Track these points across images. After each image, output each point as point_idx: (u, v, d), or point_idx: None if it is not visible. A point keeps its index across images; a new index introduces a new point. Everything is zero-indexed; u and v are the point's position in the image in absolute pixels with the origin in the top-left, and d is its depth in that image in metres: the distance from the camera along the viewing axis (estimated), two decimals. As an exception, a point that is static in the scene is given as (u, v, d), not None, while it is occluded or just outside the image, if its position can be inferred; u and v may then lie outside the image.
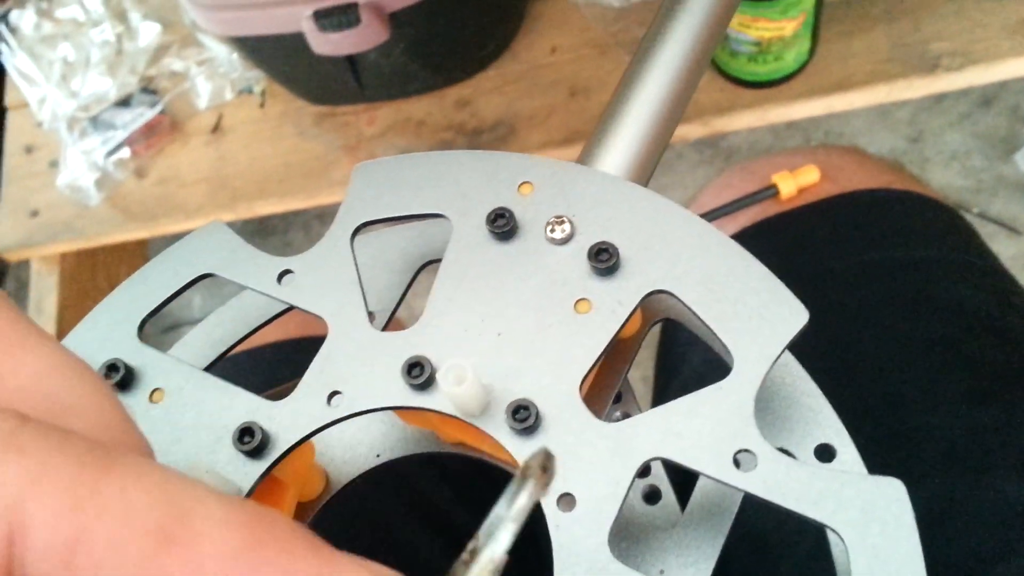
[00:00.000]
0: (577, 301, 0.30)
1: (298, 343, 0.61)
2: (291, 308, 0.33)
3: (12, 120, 1.09)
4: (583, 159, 0.34)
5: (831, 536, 0.27)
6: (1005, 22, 0.90)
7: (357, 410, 0.30)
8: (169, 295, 0.33)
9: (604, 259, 0.30)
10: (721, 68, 0.94)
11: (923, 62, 0.92)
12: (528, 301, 0.30)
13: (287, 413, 0.30)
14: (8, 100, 1.09)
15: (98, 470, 0.17)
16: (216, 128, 1.05)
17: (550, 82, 1.01)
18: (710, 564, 0.30)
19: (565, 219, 0.31)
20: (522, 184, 0.32)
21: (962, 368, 0.52)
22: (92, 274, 1.15)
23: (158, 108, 1.01)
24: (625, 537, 0.27)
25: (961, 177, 1.25)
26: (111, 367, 0.31)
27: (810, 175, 0.66)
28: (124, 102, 1.03)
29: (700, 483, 0.32)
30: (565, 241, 0.31)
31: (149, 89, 1.03)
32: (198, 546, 0.17)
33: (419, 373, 0.29)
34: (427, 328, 0.31)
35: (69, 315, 1.08)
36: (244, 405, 0.30)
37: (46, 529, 0.17)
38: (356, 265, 0.32)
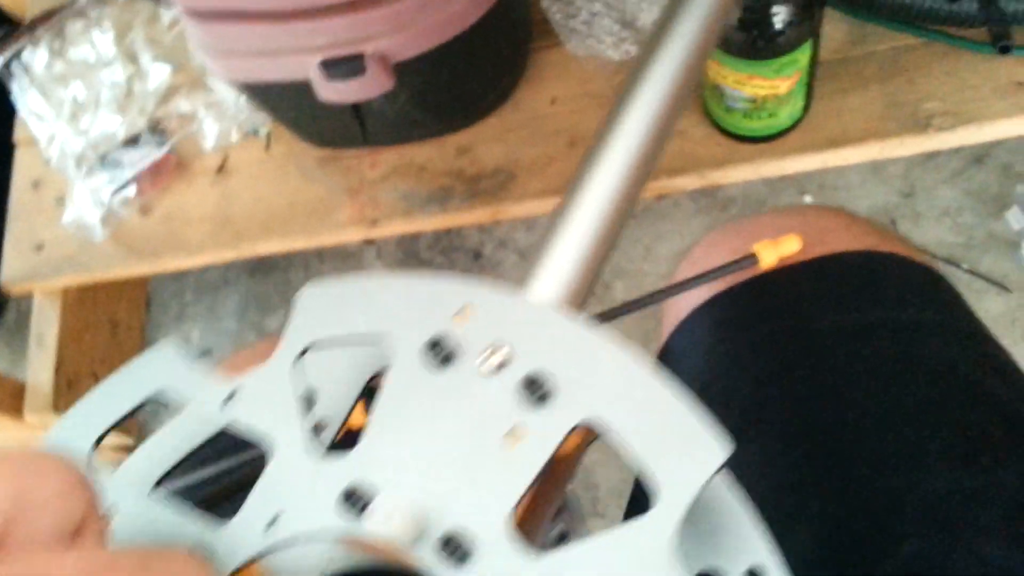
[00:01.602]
0: (509, 430, 0.31)
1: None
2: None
3: (21, 156, 1.11)
4: (524, 280, 0.35)
5: None
6: (996, 84, 0.91)
7: (295, 534, 0.31)
8: (118, 419, 0.35)
9: (536, 389, 0.31)
10: (717, 123, 0.95)
11: (916, 121, 0.92)
12: (461, 430, 0.31)
13: (230, 536, 0.31)
14: (17, 136, 1.12)
15: None
16: (221, 168, 1.06)
17: (550, 132, 1.02)
18: None
19: (500, 347, 0.32)
20: (460, 311, 0.33)
21: (945, 430, 0.53)
22: (93, 307, 1.17)
23: (165, 148, 1.03)
24: None
25: (952, 233, 1.26)
26: None
27: (791, 245, 0.66)
28: (132, 141, 1.05)
29: None
30: (499, 368, 0.32)
31: (157, 129, 1.05)
32: None
33: (355, 500, 0.31)
34: (365, 453, 0.32)
35: (69, 347, 1.10)
36: (192, 528, 0.32)
37: None
38: (304, 385, 0.33)
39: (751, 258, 0.66)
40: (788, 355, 0.58)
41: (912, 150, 0.93)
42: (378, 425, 0.32)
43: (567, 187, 0.35)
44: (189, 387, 0.34)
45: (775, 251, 0.67)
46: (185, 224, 1.05)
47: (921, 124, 0.92)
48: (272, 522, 0.31)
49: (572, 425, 0.31)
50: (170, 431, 0.35)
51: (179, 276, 1.42)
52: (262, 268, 1.52)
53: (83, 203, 1.04)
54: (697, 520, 0.32)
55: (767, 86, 0.86)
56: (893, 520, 0.50)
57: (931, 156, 1.27)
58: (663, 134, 0.35)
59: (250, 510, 0.32)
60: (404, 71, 0.90)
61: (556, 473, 0.34)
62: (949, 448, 0.52)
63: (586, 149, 0.35)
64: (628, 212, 0.35)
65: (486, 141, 1.03)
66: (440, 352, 0.32)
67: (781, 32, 0.82)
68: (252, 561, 0.31)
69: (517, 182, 1.01)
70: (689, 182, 0.99)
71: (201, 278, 1.34)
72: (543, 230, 0.35)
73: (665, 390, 0.31)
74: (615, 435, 0.30)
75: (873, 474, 0.52)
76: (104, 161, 1.05)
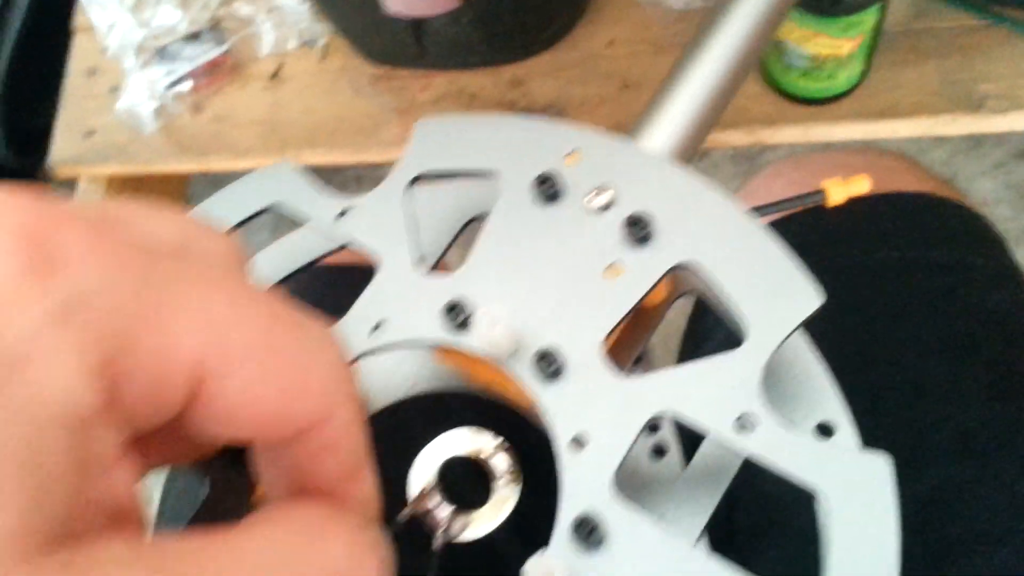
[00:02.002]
0: (609, 265, 0.33)
1: (352, 269, 0.65)
2: (344, 247, 0.36)
3: (79, 43, 1.12)
4: (632, 133, 0.37)
5: (819, 503, 0.30)
6: (1055, 72, 0.92)
7: (398, 341, 0.33)
8: (235, 224, 0.36)
9: (639, 229, 0.32)
10: (772, 80, 0.96)
11: (970, 101, 0.93)
12: (563, 260, 0.33)
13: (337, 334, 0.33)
14: (77, 23, 1.13)
15: None
16: (275, 75, 1.07)
17: (604, 73, 1.03)
18: (705, 517, 0.33)
19: (606, 189, 0.34)
20: (570, 153, 0.35)
21: (982, 366, 0.55)
22: (135, 199, 1.18)
23: (224, 48, 1.04)
24: (629, 486, 0.30)
25: (988, 223, 1.28)
26: None
27: (861, 185, 0.67)
28: (192, 37, 1.06)
29: (704, 444, 0.35)
30: (604, 209, 0.33)
31: (217, 28, 1.06)
32: None
33: (458, 314, 0.32)
34: (469, 275, 0.33)
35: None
36: None
37: None
38: (411, 212, 0.35)
39: (819, 194, 0.68)
40: (839, 283, 0.60)
41: (963, 129, 0.94)
42: (483, 249, 0.34)
43: (686, 45, 0.36)
44: (304, 202, 0.36)
45: (844, 190, 0.68)
46: (234, 126, 1.06)
47: (975, 104, 0.93)
48: (376, 327, 0.33)
49: (671, 265, 0.32)
50: (289, 241, 0.37)
51: (219, 182, 1.42)
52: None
53: (137, 94, 1.05)
54: (774, 373, 0.34)
55: (830, 45, 0.87)
56: (926, 444, 0.52)
57: (975, 145, 1.28)
58: (781, 7, 0.36)
59: (355, 315, 0.33)
60: (471, -8, 0.91)
61: (643, 319, 0.36)
62: (984, 384, 0.55)
63: (707, 11, 0.36)
64: (741, 77, 0.36)
65: (540, 76, 1.04)
66: (549, 188, 0.34)
67: (851, -9, 0.83)
68: (355, 359, 0.32)
69: (566, 119, 1.02)
70: (737, 137, 1.00)
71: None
72: (658, 85, 0.36)
73: (765, 237, 0.32)
74: (711, 278, 0.32)
75: (909, 402, 0.54)
76: (162, 54, 1.06)
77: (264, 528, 0.23)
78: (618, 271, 0.32)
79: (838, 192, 0.68)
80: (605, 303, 0.32)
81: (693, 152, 0.36)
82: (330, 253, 0.38)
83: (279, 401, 0.24)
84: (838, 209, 0.66)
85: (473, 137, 0.36)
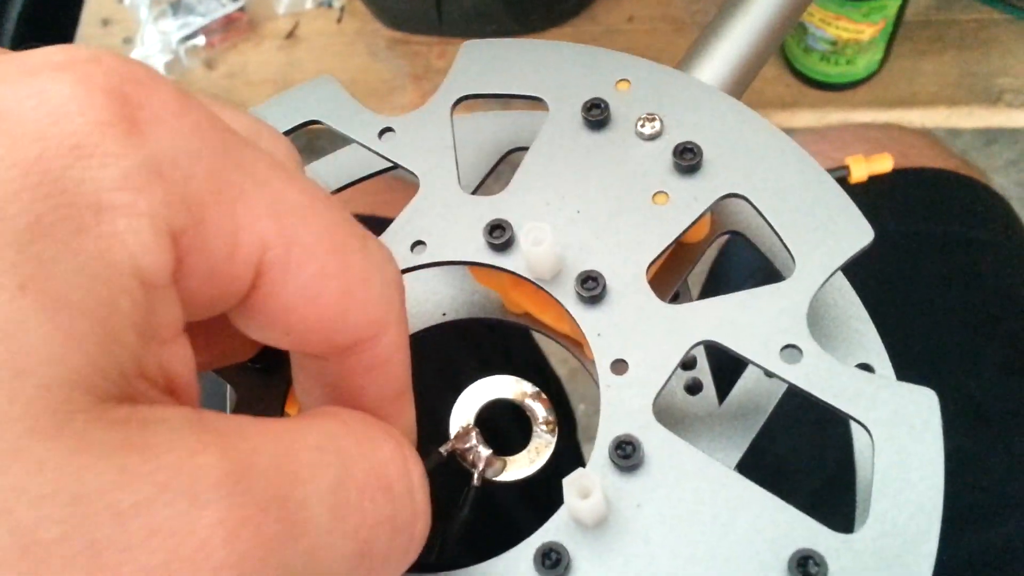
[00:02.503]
0: (656, 193, 0.32)
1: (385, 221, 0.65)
2: (386, 170, 0.35)
3: (95, -9, 1.11)
4: (681, 65, 0.36)
5: (859, 435, 0.30)
6: (1074, 68, 0.92)
7: (438, 260, 0.32)
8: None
9: (688, 158, 0.32)
10: (791, 63, 0.96)
11: (988, 94, 0.93)
12: (610, 186, 0.32)
13: None
14: (94, -29, 1.12)
15: None
16: (291, 34, 1.07)
17: (622, 48, 1.02)
18: (739, 453, 0.33)
19: (656, 117, 0.33)
20: (620, 80, 0.34)
21: (999, 342, 0.55)
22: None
23: (240, 3, 1.04)
24: (664, 419, 0.29)
25: (999, 217, 1.28)
26: None
27: (884, 163, 0.67)
28: (208, -9, 1.05)
29: (741, 381, 0.34)
30: (653, 137, 0.33)
31: (234, -17, 1.05)
32: None
33: (500, 234, 0.32)
34: (512, 196, 0.33)
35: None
36: None
37: None
38: (453, 133, 0.34)
39: (842, 169, 0.67)
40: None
41: (979, 122, 0.94)
42: (528, 172, 0.33)
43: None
44: (346, 119, 0.35)
45: (867, 167, 0.68)
46: (247, 84, 1.05)
47: (992, 97, 0.93)
48: (415, 245, 0.32)
49: (719, 195, 0.32)
50: (331, 160, 0.36)
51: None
52: (307, 149, 1.52)
53: (151, 45, 1.04)
54: (815, 312, 0.33)
55: (852, 29, 0.87)
56: (942, 412, 0.52)
57: (989, 142, 1.28)
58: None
59: (395, 233, 0.33)
60: (494, -41, 0.90)
61: (683, 254, 0.35)
62: (999, 358, 0.55)
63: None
64: (792, 18, 0.36)
65: (557, 49, 1.04)
66: (598, 115, 0.33)
67: (876, -25, 0.83)
68: None
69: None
70: (752, 120, 1.00)
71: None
72: (710, 20, 0.36)
73: (816, 171, 0.32)
74: (759, 209, 0.31)
75: (922, 371, 0.54)
76: (177, 7, 1.05)
77: (319, 422, 0.23)
78: (665, 199, 0.32)
79: (860, 169, 0.68)
80: (651, 230, 0.31)
81: (743, 88, 0.35)
82: (374, 174, 0.37)
83: (337, 307, 0.23)
84: (860, 183, 0.66)
85: (521, 60, 0.35)
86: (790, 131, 1.38)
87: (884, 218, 0.63)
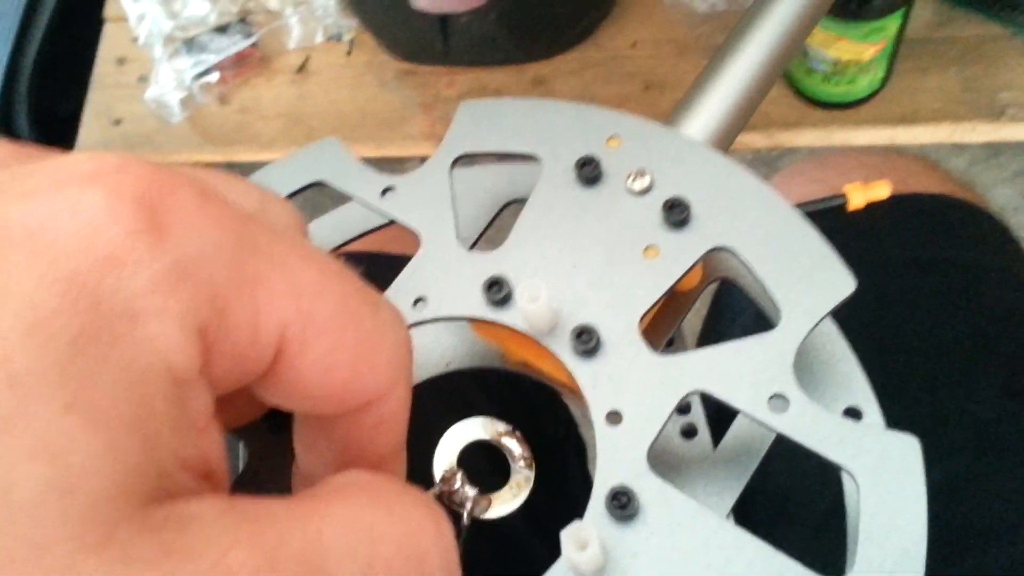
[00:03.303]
0: (647, 247, 0.33)
1: (391, 258, 0.65)
2: (388, 224, 0.37)
3: (109, 31, 1.13)
4: (672, 120, 0.37)
5: (846, 481, 0.31)
6: (1076, 82, 0.93)
7: (439, 316, 0.33)
8: (285, 196, 0.37)
9: (677, 213, 0.33)
10: (793, 84, 0.97)
11: (991, 109, 0.94)
12: (602, 240, 0.34)
13: None
14: (107, 12, 1.14)
15: None
16: (302, 68, 1.09)
17: (627, 73, 1.04)
18: (734, 495, 0.34)
19: (646, 172, 0.34)
20: (610, 137, 0.36)
21: (997, 364, 0.56)
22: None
23: (251, 40, 1.06)
24: (660, 465, 0.30)
25: (1006, 230, 1.29)
26: None
27: (881, 191, 0.68)
28: (220, 30, 1.07)
29: (734, 425, 0.36)
30: (643, 192, 0.34)
31: (246, 21, 1.07)
32: None
33: (498, 290, 0.33)
34: (509, 252, 0.34)
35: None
36: None
37: None
38: (452, 191, 0.36)
39: (840, 197, 0.69)
40: (859, 277, 0.61)
41: (983, 137, 0.95)
42: (523, 228, 0.34)
43: (726, 36, 0.37)
44: (350, 179, 0.37)
45: (864, 195, 0.69)
46: (260, 118, 1.07)
47: (996, 112, 0.94)
48: (417, 301, 0.34)
49: (708, 248, 0.33)
50: (337, 214, 0.38)
51: (243, 173, 1.44)
52: (312, 204, 1.54)
53: (166, 83, 1.06)
54: (802, 358, 0.34)
55: (852, 50, 0.88)
56: (943, 437, 0.53)
57: (995, 154, 1.29)
58: (821, 4, 0.37)
59: (397, 290, 0.34)
60: (498, -10, 0.92)
61: (675, 303, 0.37)
62: (1000, 381, 0.55)
63: (749, 6, 0.37)
64: (778, 70, 0.37)
65: (563, 75, 1.05)
66: (590, 171, 0.35)
67: (876, -4, 0.84)
68: None
69: (589, 118, 1.03)
70: (757, 140, 1.01)
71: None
72: (696, 76, 0.37)
73: (800, 223, 0.33)
74: (746, 262, 0.33)
75: (924, 396, 0.55)
76: (190, 45, 1.07)
77: (347, 497, 0.24)
78: (656, 252, 0.33)
79: (858, 196, 0.69)
80: (643, 283, 0.33)
81: (729, 142, 0.37)
82: (375, 229, 0.39)
83: (350, 374, 0.24)
84: (858, 210, 0.67)
85: (515, 119, 0.37)
86: (793, 150, 1.39)
87: (884, 245, 0.64)
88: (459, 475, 0.34)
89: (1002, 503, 0.51)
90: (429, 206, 0.35)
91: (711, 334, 0.70)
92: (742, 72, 0.37)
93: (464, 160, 0.37)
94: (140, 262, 0.20)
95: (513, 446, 0.36)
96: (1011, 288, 0.62)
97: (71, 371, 0.19)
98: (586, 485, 0.30)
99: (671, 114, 0.38)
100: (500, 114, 0.37)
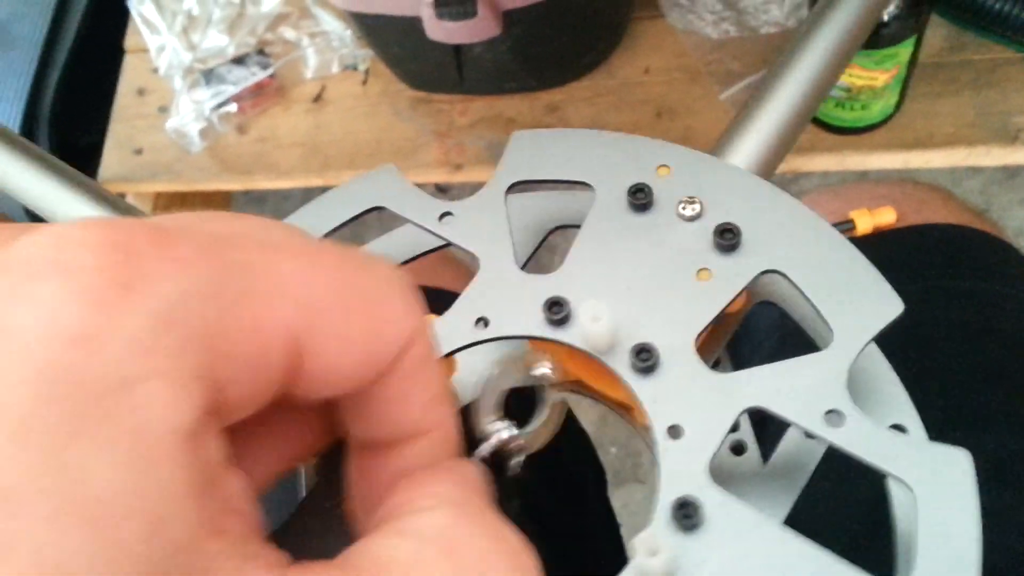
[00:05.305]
0: (699, 270, 0.35)
1: (441, 292, 0.66)
2: (447, 245, 0.38)
3: (129, 63, 1.15)
4: (716, 151, 0.39)
5: (896, 493, 0.32)
6: (1088, 105, 0.94)
7: (502, 335, 0.35)
8: (341, 223, 0.38)
9: (728, 238, 0.35)
10: (807, 109, 0.99)
11: (1006, 132, 0.96)
12: (656, 264, 0.35)
13: (443, 327, 0.35)
14: (128, 43, 1.15)
15: None
16: (318, 98, 1.10)
17: (640, 100, 1.06)
18: (785, 509, 0.35)
19: (696, 200, 0.36)
20: (660, 166, 0.37)
21: (1015, 397, 0.56)
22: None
23: (269, 71, 1.07)
24: (714, 480, 0.32)
25: (1023, 253, 1.30)
26: None
27: (887, 216, 0.70)
28: (238, 61, 1.08)
29: (784, 441, 0.37)
30: (694, 219, 0.36)
31: (263, 53, 1.09)
32: None
33: (559, 310, 0.34)
34: (567, 274, 0.35)
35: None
36: None
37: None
38: (508, 217, 0.37)
39: (848, 223, 0.70)
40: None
41: (997, 161, 0.96)
42: (580, 251, 0.36)
43: (768, 68, 0.38)
44: (408, 204, 0.38)
45: (871, 220, 0.71)
46: (277, 147, 1.09)
47: (1010, 136, 0.95)
48: (478, 321, 0.35)
49: (759, 271, 0.34)
50: (394, 237, 0.39)
51: (260, 201, 1.46)
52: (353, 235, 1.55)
53: (185, 114, 1.08)
54: (851, 378, 0.36)
55: (865, 77, 0.90)
56: None
57: (1011, 175, 1.30)
58: (859, 34, 0.38)
59: (459, 311, 0.35)
60: (511, 19, 0.93)
61: (722, 324, 0.38)
62: (1017, 413, 0.56)
63: (790, 38, 0.39)
64: (818, 100, 0.39)
65: (576, 102, 1.07)
66: (642, 198, 0.36)
67: (887, 24, 0.85)
68: (459, 349, 0.35)
69: (604, 145, 1.04)
70: (771, 165, 1.02)
71: (279, 207, 1.39)
72: (740, 105, 0.38)
73: (847, 247, 0.34)
74: (796, 283, 0.34)
75: (939, 429, 0.55)
76: (209, 77, 1.08)
77: (400, 544, 0.23)
78: (708, 275, 0.35)
79: (864, 221, 0.71)
80: (697, 304, 0.34)
81: (772, 170, 0.38)
82: (434, 250, 0.40)
83: (364, 344, 0.24)
84: (871, 241, 0.69)
85: (567, 149, 0.38)
86: (808, 175, 1.41)
87: (900, 276, 0.65)
88: (504, 421, 0.32)
89: (1019, 538, 0.51)
90: (487, 230, 0.37)
91: (736, 358, 0.71)
92: (784, 104, 0.39)
93: (513, 187, 0.38)
94: (112, 329, 0.19)
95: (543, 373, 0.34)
96: None
97: (60, 469, 0.18)
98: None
99: (717, 144, 0.39)
100: (552, 143, 0.38)
